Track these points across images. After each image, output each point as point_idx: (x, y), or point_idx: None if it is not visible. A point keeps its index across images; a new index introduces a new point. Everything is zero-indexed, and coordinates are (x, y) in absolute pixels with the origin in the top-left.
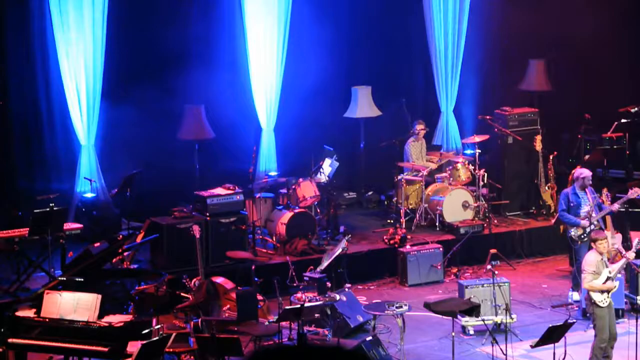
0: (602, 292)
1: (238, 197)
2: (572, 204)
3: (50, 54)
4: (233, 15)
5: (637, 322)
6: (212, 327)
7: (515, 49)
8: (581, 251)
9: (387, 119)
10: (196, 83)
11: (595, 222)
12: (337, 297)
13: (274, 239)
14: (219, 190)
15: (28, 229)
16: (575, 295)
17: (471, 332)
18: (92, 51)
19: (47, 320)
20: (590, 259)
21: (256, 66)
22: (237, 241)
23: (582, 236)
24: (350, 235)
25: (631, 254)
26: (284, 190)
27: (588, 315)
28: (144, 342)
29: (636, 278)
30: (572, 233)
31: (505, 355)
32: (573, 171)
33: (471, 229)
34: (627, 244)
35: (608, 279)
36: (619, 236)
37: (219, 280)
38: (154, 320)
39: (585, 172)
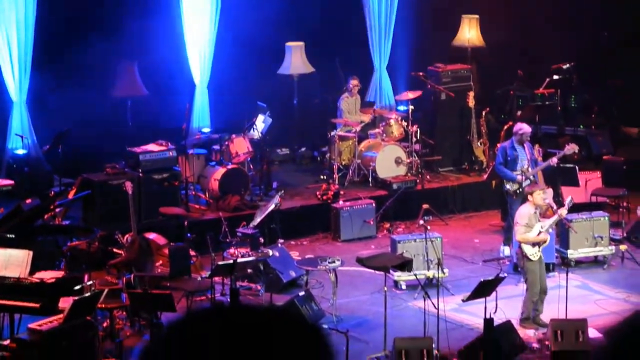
0: (533, 245)
1: (171, 154)
2: (509, 158)
3: None
4: None
5: (567, 276)
6: (144, 283)
7: (448, 5)
8: (515, 206)
9: (320, 76)
10: (129, 40)
11: (531, 177)
12: (270, 252)
13: (207, 195)
14: (151, 147)
15: None
16: (507, 250)
17: (403, 286)
18: (24, 6)
19: None
20: (524, 212)
21: (189, 23)
22: (170, 197)
23: (517, 191)
24: (283, 191)
25: (563, 211)
26: (217, 147)
27: (519, 269)
28: (76, 298)
29: (567, 233)
30: (508, 187)
31: (437, 309)
32: (506, 127)
33: (404, 185)
34: (558, 199)
35: (540, 233)
36: (550, 191)
37: (152, 236)
38: (86, 277)
39: (525, 128)
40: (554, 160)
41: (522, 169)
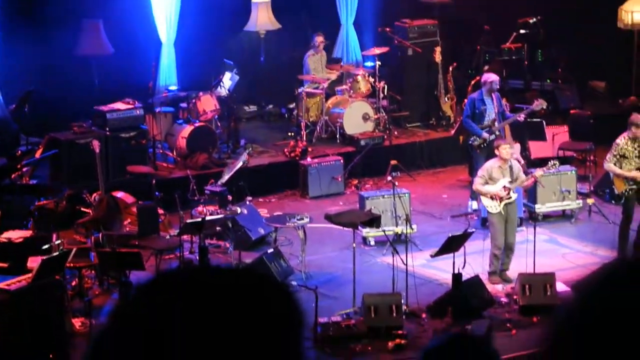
0: (492, 198)
1: (138, 112)
2: (477, 111)
3: None
4: None
5: (534, 230)
6: (113, 241)
7: None
8: (479, 160)
9: (287, 32)
10: None
11: (497, 132)
12: (238, 210)
13: (175, 153)
14: (118, 105)
15: None
16: (475, 205)
17: (372, 242)
18: None
19: None
20: (487, 164)
21: None
22: (138, 156)
23: (483, 145)
24: (251, 149)
25: (540, 172)
26: (184, 105)
27: (487, 224)
28: (44, 257)
29: (534, 187)
30: (473, 141)
31: (406, 265)
32: (473, 81)
33: (371, 141)
34: (525, 153)
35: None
36: (517, 146)
37: (120, 194)
38: (54, 236)
39: (493, 77)
40: (521, 116)
41: (489, 123)
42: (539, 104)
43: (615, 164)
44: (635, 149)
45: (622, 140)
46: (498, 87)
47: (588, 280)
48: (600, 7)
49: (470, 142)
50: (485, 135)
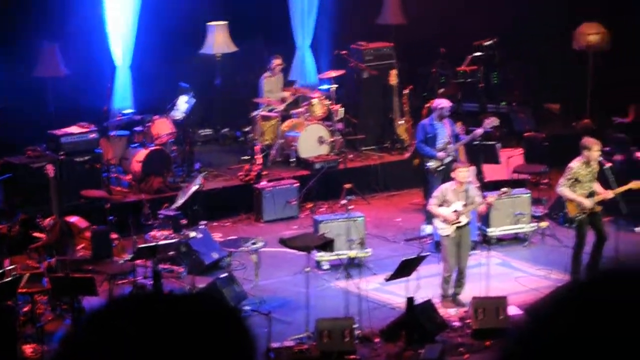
0: (444, 221)
1: (92, 136)
2: (429, 135)
3: None
4: None
5: (488, 253)
6: (66, 266)
7: None
8: (435, 183)
9: (243, 55)
10: (50, 20)
11: (452, 154)
12: (192, 234)
13: (129, 177)
14: (73, 129)
15: None
16: (428, 229)
17: (326, 266)
18: None
19: None
20: (443, 186)
21: (110, 3)
22: (92, 180)
23: (439, 168)
24: (205, 172)
25: (491, 199)
26: (139, 128)
27: (440, 247)
28: None
29: (488, 211)
30: (429, 165)
31: (359, 289)
32: (427, 105)
33: (326, 164)
34: (479, 176)
35: (456, 212)
36: (472, 169)
37: (73, 219)
38: (7, 261)
39: (444, 103)
40: (478, 132)
41: (443, 146)
42: (491, 122)
43: (568, 188)
44: (588, 173)
45: (575, 164)
46: (449, 113)
47: (541, 303)
48: (555, 29)
49: (426, 166)
50: (440, 155)
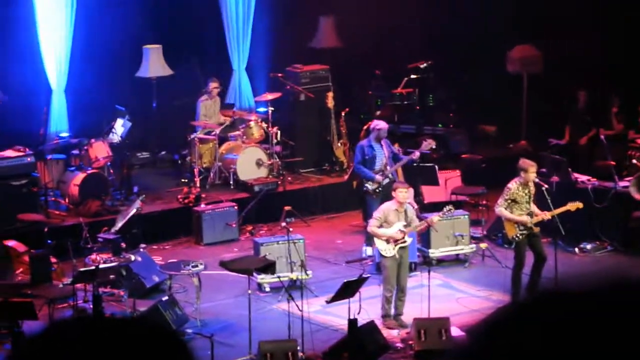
0: (388, 241)
1: (29, 159)
2: (367, 157)
3: None
4: None
5: (429, 275)
6: (4, 291)
7: (305, 6)
8: (374, 205)
9: (179, 78)
10: None
11: (390, 175)
12: (132, 257)
13: (67, 201)
14: (8, 153)
15: None
16: (369, 250)
17: (267, 289)
18: None
19: None
20: (384, 207)
21: (44, 26)
22: (29, 203)
23: (377, 190)
24: (144, 195)
25: (435, 218)
26: (76, 152)
27: (382, 268)
28: None
29: (428, 232)
30: (367, 186)
31: (301, 311)
32: (365, 127)
33: (265, 187)
34: (418, 198)
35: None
36: (410, 190)
37: (11, 243)
38: None
39: (381, 124)
40: (415, 155)
41: (381, 167)
42: (428, 144)
43: (506, 209)
44: (525, 194)
45: (513, 185)
46: (386, 134)
47: (481, 324)
48: (489, 52)
49: (364, 188)
50: (378, 178)
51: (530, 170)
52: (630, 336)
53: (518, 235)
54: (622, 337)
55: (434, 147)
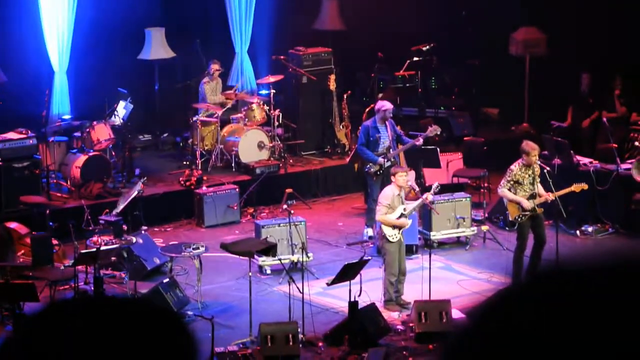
0: (394, 227)
1: (31, 141)
2: (371, 138)
3: None
4: None
5: (430, 257)
6: (6, 273)
7: None
8: (375, 187)
9: (181, 60)
10: None
11: (392, 159)
12: (134, 239)
13: (69, 183)
14: (10, 135)
15: None
16: (370, 232)
17: (268, 271)
18: None
19: None
20: (387, 193)
21: (46, 8)
22: (31, 186)
23: (379, 172)
24: (145, 178)
25: (429, 196)
26: (78, 134)
27: (382, 252)
28: None
29: (429, 214)
30: (369, 168)
31: (302, 293)
32: (368, 109)
33: (267, 169)
34: (420, 180)
35: (402, 215)
36: (412, 173)
37: (13, 225)
38: None
39: (387, 105)
40: (419, 141)
41: (384, 150)
42: (434, 130)
43: (509, 190)
44: (529, 175)
45: (516, 167)
46: (392, 115)
47: (481, 305)
48: (492, 34)
49: (366, 169)
50: (380, 160)
51: (532, 153)
52: (628, 317)
53: (521, 216)
54: (620, 317)
55: (439, 133)
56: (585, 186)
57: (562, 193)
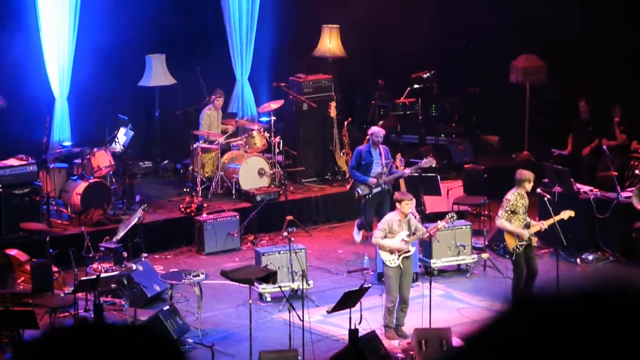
0: (391, 252)
1: (31, 168)
2: (363, 162)
3: None
4: None
5: (430, 285)
6: (6, 300)
7: (309, 15)
8: (368, 211)
9: (182, 87)
10: None
11: (383, 186)
12: (134, 266)
13: (69, 210)
14: (11, 161)
15: None
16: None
17: (268, 299)
18: None
19: None
20: (387, 218)
21: (47, 35)
22: (31, 212)
23: (367, 196)
24: (146, 205)
25: (441, 224)
26: (78, 160)
27: (383, 279)
28: None
29: (429, 242)
30: (358, 191)
31: (302, 321)
32: (367, 136)
33: (267, 196)
34: (420, 208)
35: (404, 241)
36: (413, 201)
37: (13, 252)
38: None
39: (375, 129)
40: (406, 171)
41: (375, 176)
42: (428, 162)
43: (506, 220)
44: (523, 205)
45: (512, 196)
46: (380, 139)
47: (477, 332)
48: (492, 62)
49: (355, 192)
50: (372, 180)
51: (527, 182)
52: (605, 342)
53: (518, 247)
54: (595, 340)
55: (433, 165)
56: (572, 213)
57: (553, 221)
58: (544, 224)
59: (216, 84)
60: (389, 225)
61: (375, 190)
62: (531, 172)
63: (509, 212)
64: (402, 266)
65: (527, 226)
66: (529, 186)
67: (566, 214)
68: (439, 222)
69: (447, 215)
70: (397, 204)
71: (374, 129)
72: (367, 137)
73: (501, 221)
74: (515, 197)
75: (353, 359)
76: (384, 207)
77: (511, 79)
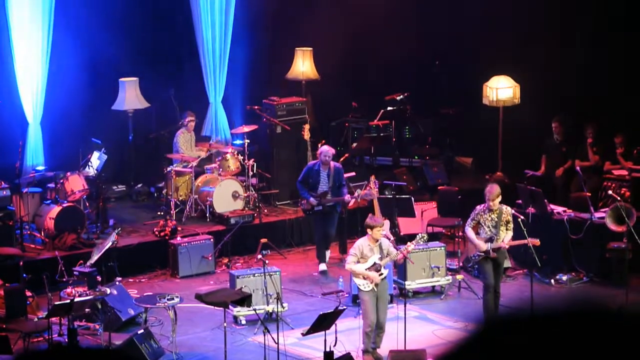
0: (364, 277)
1: (4, 193)
2: (310, 180)
3: None
4: None
5: (405, 307)
6: None
7: (282, 38)
8: (317, 226)
9: (155, 111)
10: None
11: (325, 206)
12: (108, 291)
13: (43, 234)
14: None
15: None
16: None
17: (243, 322)
18: None
19: None
20: (359, 243)
21: (20, 59)
22: (5, 237)
23: (309, 212)
24: (120, 229)
25: (410, 247)
26: (51, 185)
27: (358, 301)
28: None
29: (404, 264)
30: (301, 205)
31: (277, 343)
32: (342, 158)
33: (241, 219)
34: (394, 230)
35: (375, 264)
36: (386, 222)
37: None
38: None
39: (324, 149)
40: (346, 198)
41: (319, 195)
42: (369, 194)
43: (472, 229)
44: (491, 219)
45: (479, 207)
46: (329, 158)
47: (448, 351)
48: (465, 84)
49: (299, 205)
50: (312, 200)
51: (493, 198)
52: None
53: (475, 255)
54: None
55: (374, 198)
56: (537, 242)
57: (514, 244)
58: (505, 245)
59: (190, 107)
60: (360, 251)
61: (316, 209)
62: (497, 188)
63: (475, 222)
64: (376, 289)
65: (491, 240)
66: (495, 203)
67: (530, 242)
68: (408, 243)
69: (417, 236)
70: (369, 230)
71: (322, 149)
72: (341, 160)
73: (467, 228)
74: (482, 210)
75: None
76: (329, 223)
77: (484, 100)
